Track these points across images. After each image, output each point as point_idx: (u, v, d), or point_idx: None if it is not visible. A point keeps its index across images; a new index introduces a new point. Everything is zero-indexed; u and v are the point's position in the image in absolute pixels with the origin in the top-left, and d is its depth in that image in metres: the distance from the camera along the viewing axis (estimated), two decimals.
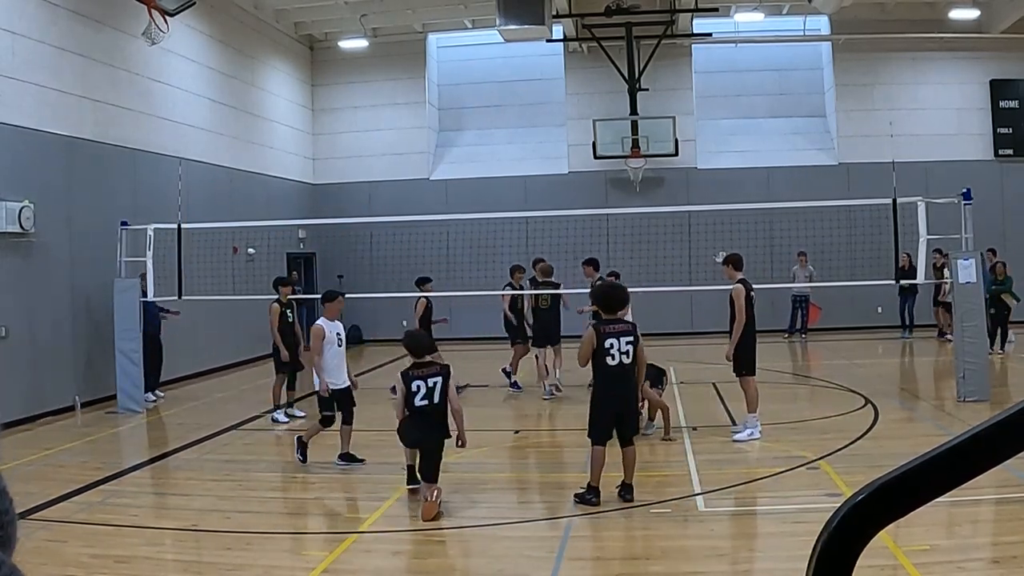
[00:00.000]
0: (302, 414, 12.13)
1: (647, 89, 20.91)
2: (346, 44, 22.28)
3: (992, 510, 6.79)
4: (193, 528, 7.11)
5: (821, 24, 21.55)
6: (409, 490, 7.85)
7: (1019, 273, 16.86)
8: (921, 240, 12.42)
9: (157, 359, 14.17)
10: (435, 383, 7.47)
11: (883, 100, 21.30)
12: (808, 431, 10.25)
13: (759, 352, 10.12)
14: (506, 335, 14.28)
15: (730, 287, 10.04)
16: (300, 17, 21.53)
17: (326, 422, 9.25)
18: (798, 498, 7.47)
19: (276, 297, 12.34)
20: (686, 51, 22.17)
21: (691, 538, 6.66)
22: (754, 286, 10.19)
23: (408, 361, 7.73)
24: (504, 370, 13.91)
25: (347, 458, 9.16)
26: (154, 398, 13.97)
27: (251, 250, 18.10)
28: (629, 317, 9.24)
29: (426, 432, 7.49)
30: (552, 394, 13.16)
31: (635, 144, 21.09)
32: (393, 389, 9.24)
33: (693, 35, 21.02)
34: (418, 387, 7.45)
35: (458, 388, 8.11)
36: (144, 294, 13.48)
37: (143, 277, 13.53)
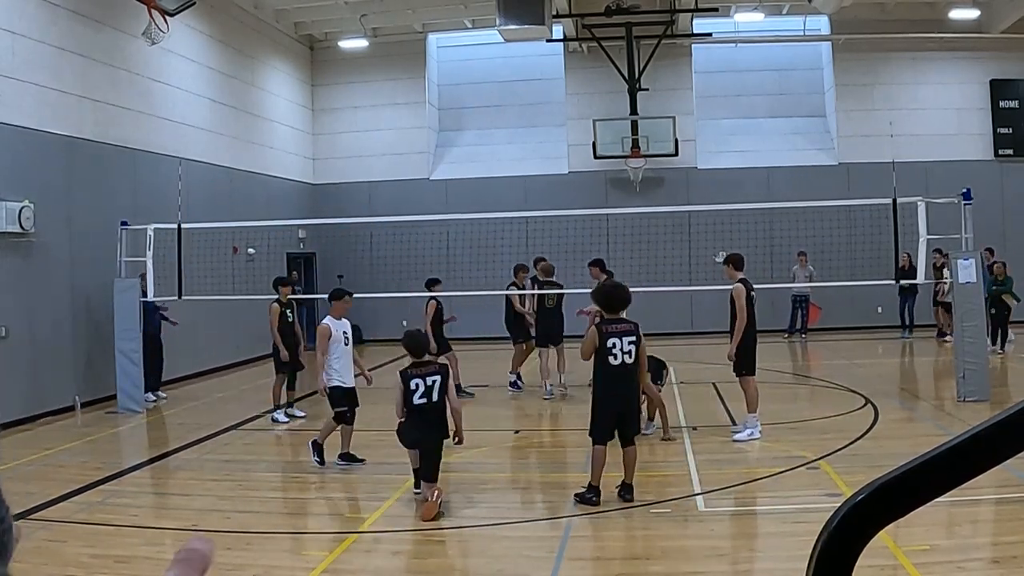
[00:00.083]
0: (302, 414, 12.13)
1: (647, 89, 20.91)
2: (346, 44, 22.29)
3: (992, 510, 6.79)
4: (193, 528, 7.09)
5: (821, 24, 21.55)
6: (415, 493, 7.76)
7: (1019, 273, 16.87)
8: (921, 240, 12.41)
9: (158, 359, 14.18)
10: (434, 382, 7.49)
11: (883, 100, 21.29)
12: (808, 431, 10.25)
13: (759, 352, 10.12)
14: (507, 335, 14.28)
15: (730, 287, 10.04)
16: (300, 17, 21.53)
17: (339, 418, 9.19)
18: (798, 498, 7.47)
19: (276, 297, 12.35)
20: (686, 51, 22.17)
21: (691, 538, 6.66)
22: (754, 286, 10.19)
23: (407, 361, 7.73)
24: (513, 382, 13.86)
25: (347, 458, 9.16)
26: (154, 398, 13.98)
27: (251, 250, 18.09)
28: None
29: (425, 432, 7.50)
30: (552, 394, 13.17)
31: (635, 144, 21.09)
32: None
33: (693, 35, 21.02)
34: (417, 385, 7.47)
35: (458, 389, 8.10)
36: (144, 294, 13.49)
37: (143, 277, 13.54)
